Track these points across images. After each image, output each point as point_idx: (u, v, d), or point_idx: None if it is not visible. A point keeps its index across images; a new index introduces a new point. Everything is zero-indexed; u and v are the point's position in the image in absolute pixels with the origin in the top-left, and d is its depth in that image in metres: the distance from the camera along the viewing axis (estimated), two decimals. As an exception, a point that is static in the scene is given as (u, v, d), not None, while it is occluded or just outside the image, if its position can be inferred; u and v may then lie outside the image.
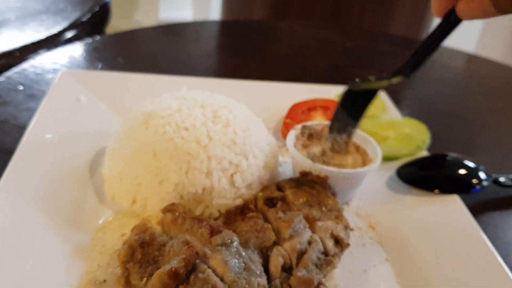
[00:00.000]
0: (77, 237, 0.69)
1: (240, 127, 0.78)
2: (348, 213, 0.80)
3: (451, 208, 0.79)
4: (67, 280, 0.62)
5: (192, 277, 0.54)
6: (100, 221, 0.73)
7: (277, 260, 0.61)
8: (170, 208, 0.67)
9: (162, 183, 0.73)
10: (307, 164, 0.78)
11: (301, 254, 0.61)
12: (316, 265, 0.60)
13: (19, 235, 0.65)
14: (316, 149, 0.84)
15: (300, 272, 0.59)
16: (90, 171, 0.82)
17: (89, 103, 0.96)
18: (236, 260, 0.57)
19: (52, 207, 0.71)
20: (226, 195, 0.74)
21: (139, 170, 0.74)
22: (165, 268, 0.55)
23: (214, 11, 3.94)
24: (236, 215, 0.72)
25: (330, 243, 0.63)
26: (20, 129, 0.91)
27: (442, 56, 1.57)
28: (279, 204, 0.69)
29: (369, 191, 0.84)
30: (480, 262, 0.69)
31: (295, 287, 0.59)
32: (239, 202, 0.75)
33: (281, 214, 0.66)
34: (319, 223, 0.66)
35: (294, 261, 0.61)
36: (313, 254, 0.61)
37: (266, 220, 0.68)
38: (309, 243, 0.62)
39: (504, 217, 0.86)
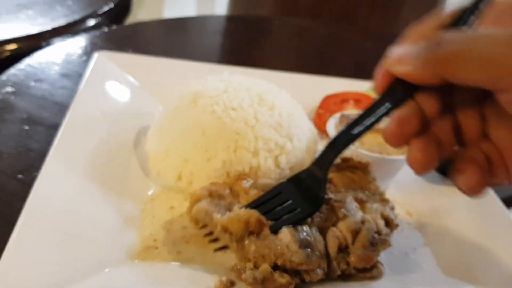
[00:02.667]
0: (127, 208, 0.70)
1: (285, 110, 0.80)
2: (385, 200, 0.83)
3: (484, 198, 0.81)
4: (122, 246, 0.63)
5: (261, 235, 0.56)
6: (149, 193, 0.74)
7: (333, 242, 0.62)
8: (242, 177, 0.68)
9: (210, 160, 0.74)
10: (348, 150, 0.80)
11: (356, 234, 0.63)
12: (371, 244, 0.62)
13: (72, 206, 0.66)
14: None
15: (358, 250, 0.60)
16: (134, 148, 0.83)
17: (126, 84, 0.98)
18: (303, 237, 0.59)
19: (101, 178, 0.72)
20: (271, 175, 0.76)
21: (187, 147, 0.75)
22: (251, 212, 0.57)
23: (218, 10, 3.96)
24: None
25: (381, 223, 0.65)
26: (58, 106, 0.92)
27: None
28: (328, 185, 0.70)
29: (405, 180, 0.86)
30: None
31: (355, 265, 0.60)
32: (281, 183, 0.77)
33: (331, 195, 0.68)
34: (369, 205, 0.68)
35: (349, 240, 0.62)
36: (368, 233, 0.62)
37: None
38: (363, 222, 0.64)
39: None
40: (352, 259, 0.60)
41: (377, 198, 0.71)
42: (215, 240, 0.66)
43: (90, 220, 0.65)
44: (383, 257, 0.70)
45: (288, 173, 0.77)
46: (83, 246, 0.61)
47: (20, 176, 0.74)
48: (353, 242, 0.62)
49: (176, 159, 0.76)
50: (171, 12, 4.08)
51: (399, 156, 0.81)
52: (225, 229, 0.60)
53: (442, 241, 0.75)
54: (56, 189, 0.67)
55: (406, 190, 0.85)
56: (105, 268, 0.59)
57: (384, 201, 0.70)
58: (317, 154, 0.84)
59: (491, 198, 0.81)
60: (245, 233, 0.59)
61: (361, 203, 0.68)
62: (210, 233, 0.66)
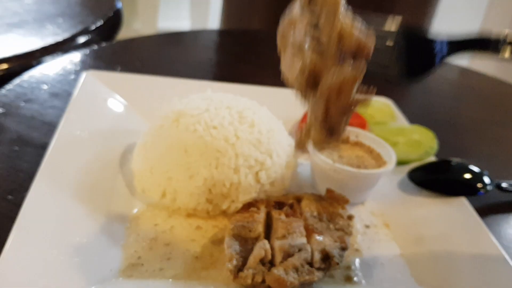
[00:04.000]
0: (113, 226, 0.73)
1: (264, 127, 0.83)
2: (364, 212, 0.86)
3: (459, 209, 0.85)
4: (107, 264, 0.66)
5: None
6: (134, 212, 0.77)
7: (258, 252, 0.65)
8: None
9: (192, 177, 0.77)
10: (327, 164, 0.83)
11: (287, 256, 0.65)
12: (297, 270, 0.64)
13: (59, 225, 0.68)
14: (332, 151, 0.89)
15: (277, 271, 0.63)
16: (120, 166, 0.86)
17: (113, 103, 1.00)
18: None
19: (87, 197, 0.75)
20: (252, 191, 0.79)
21: (170, 165, 0.78)
22: None
23: (212, 21, 4.00)
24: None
25: (318, 256, 0.66)
26: (47, 125, 0.95)
27: (439, 69, 1.64)
28: (285, 208, 0.74)
29: (383, 192, 0.89)
30: (487, 257, 0.74)
31: (268, 282, 0.63)
32: (262, 197, 0.80)
33: (282, 217, 0.71)
34: (317, 236, 0.69)
35: (278, 259, 0.65)
36: (298, 260, 0.64)
37: (269, 219, 0.73)
38: (299, 249, 0.66)
39: (506, 220, 0.92)
40: (268, 276, 0.63)
41: (337, 234, 0.72)
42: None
43: (76, 239, 0.68)
44: (360, 268, 0.73)
45: (268, 188, 0.80)
46: (69, 264, 0.63)
47: (10, 197, 0.77)
48: (281, 262, 0.64)
49: (160, 177, 0.79)
50: (165, 23, 4.12)
51: (376, 169, 0.84)
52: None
53: (417, 252, 0.77)
54: (44, 210, 0.69)
55: (384, 202, 0.87)
56: (91, 286, 0.62)
57: (341, 239, 0.70)
58: (297, 169, 0.88)
59: (465, 209, 0.84)
60: None
61: (310, 232, 0.70)
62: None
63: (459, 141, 1.20)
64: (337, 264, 0.67)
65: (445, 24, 3.20)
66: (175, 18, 4.36)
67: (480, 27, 2.84)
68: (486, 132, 1.30)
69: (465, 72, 1.71)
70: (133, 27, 4.07)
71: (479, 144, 1.23)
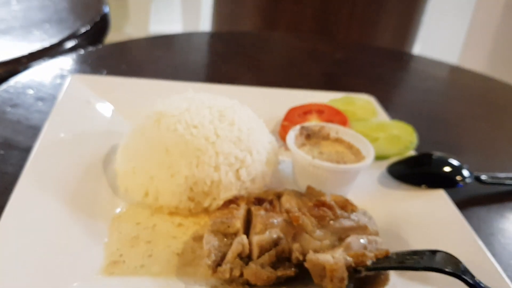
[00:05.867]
0: (96, 226, 0.74)
1: (244, 125, 0.84)
2: (344, 206, 0.87)
3: (438, 201, 0.86)
4: (90, 262, 0.67)
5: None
6: (116, 211, 0.78)
7: (236, 247, 0.66)
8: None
9: (173, 176, 0.78)
10: (306, 160, 0.85)
11: (264, 250, 0.67)
12: (273, 265, 0.66)
13: (43, 224, 0.70)
14: (313, 148, 0.91)
15: (255, 265, 0.64)
16: (103, 167, 0.87)
17: (97, 106, 1.02)
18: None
19: (70, 198, 0.77)
20: (232, 188, 0.80)
21: (152, 165, 0.80)
22: None
23: (203, 25, 4.02)
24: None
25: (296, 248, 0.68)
26: (32, 129, 0.96)
27: (427, 67, 1.66)
28: (264, 204, 0.75)
29: (363, 186, 0.91)
30: (466, 248, 0.76)
31: (246, 276, 0.64)
32: (243, 194, 0.81)
33: (262, 212, 0.72)
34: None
35: (256, 254, 0.66)
36: (275, 254, 0.66)
37: (249, 215, 0.75)
38: (276, 244, 0.68)
39: (486, 211, 0.93)
40: (245, 270, 0.64)
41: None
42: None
43: (60, 238, 0.69)
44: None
45: (249, 185, 0.82)
46: (52, 263, 0.65)
47: (-5, 199, 0.78)
48: (259, 257, 0.66)
49: (142, 176, 0.80)
50: (157, 27, 4.14)
51: (355, 164, 0.86)
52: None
53: (397, 244, 0.79)
54: (27, 211, 0.71)
55: (364, 196, 0.89)
56: (74, 283, 0.63)
57: None
58: (279, 166, 0.90)
59: (444, 201, 0.86)
60: None
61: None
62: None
63: (443, 136, 1.22)
64: None
65: (427, 47, 3.25)
66: (167, 22, 4.39)
67: (461, 45, 2.86)
68: (471, 127, 1.32)
69: (454, 69, 1.73)
70: (124, 31, 4.09)
71: (463, 139, 1.25)
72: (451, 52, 2.92)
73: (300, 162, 0.86)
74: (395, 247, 0.78)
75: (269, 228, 0.69)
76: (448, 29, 3.24)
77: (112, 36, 1.73)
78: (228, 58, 1.51)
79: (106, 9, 1.67)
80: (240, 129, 0.83)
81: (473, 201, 0.95)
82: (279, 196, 0.81)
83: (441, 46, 3.25)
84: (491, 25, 2.56)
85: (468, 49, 2.78)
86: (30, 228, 0.68)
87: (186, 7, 4.19)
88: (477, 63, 2.60)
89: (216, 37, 1.70)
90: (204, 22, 3.98)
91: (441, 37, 3.30)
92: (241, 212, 0.74)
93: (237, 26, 2.38)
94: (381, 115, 1.12)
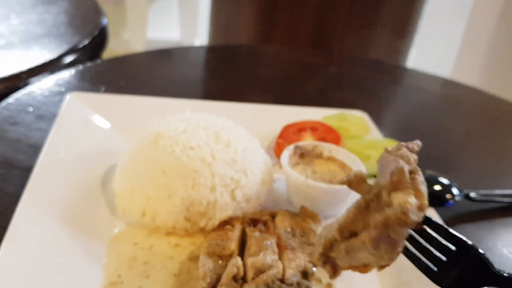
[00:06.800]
0: (95, 247, 0.76)
1: (239, 146, 0.86)
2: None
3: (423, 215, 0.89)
4: (89, 283, 0.70)
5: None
6: (115, 231, 0.81)
7: (230, 269, 0.68)
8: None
9: (170, 197, 0.81)
10: (299, 180, 0.87)
11: (259, 272, 0.69)
12: (267, 286, 0.67)
13: (43, 245, 0.72)
14: (306, 167, 0.94)
15: (249, 287, 0.66)
16: (102, 186, 0.89)
17: (96, 124, 1.04)
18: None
19: (70, 219, 0.79)
20: (228, 208, 0.82)
21: (149, 185, 0.82)
22: None
23: (200, 32, 4.05)
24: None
25: (290, 272, 0.69)
26: (32, 148, 0.98)
27: (420, 81, 1.69)
28: (259, 225, 0.78)
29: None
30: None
31: None
32: (238, 214, 0.84)
33: (256, 234, 0.75)
34: (289, 253, 0.73)
35: (250, 276, 0.68)
36: (270, 276, 0.68)
37: (244, 236, 0.77)
38: (270, 266, 0.69)
39: (475, 228, 0.96)
40: None
41: (308, 249, 0.75)
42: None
43: (60, 259, 0.71)
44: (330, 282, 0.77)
45: (244, 205, 0.84)
46: (52, 283, 0.67)
47: (-4, 219, 0.80)
48: (253, 278, 0.68)
49: (140, 197, 0.83)
50: (154, 33, 4.16)
51: (344, 185, 0.88)
52: None
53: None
54: (28, 232, 0.73)
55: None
56: (73, 304, 0.66)
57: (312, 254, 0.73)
58: (274, 184, 0.92)
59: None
60: None
61: (283, 249, 0.74)
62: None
63: (435, 152, 1.24)
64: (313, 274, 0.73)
65: (421, 58, 3.29)
66: (165, 28, 4.41)
67: (454, 58, 2.89)
68: (463, 142, 1.34)
69: (446, 83, 1.75)
70: (122, 38, 4.12)
71: (454, 154, 1.27)
72: (445, 64, 2.95)
73: (294, 182, 0.89)
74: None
75: (263, 250, 0.72)
76: (442, 41, 3.27)
77: (110, 43, 1.75)
78: (224, 72, 1.54)
79: (105, 21, 1.70)
80: (236, 150, 0.85)
81: (463, 219, 0.98)
82: (273, 216, 0.83)
83: (435, 58, 3.28)
84: (485, 37, 2.59)
85: (462, 61, 2.81)
86: (31, 249, 0.70)
87: (184, 13, 4.22)
88: (471, 75, 2.63)
89: (212, 51, 1.73)
90: (201, 28, 4.00)
91: (435, 49, 3.34)
92: (235, 233, 0.76)
93: (234, 36, 2.40)
94: (374, 132, 1.15)
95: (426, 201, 0.55)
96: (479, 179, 1.15)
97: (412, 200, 0.54)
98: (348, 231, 0.60)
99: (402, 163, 0.58)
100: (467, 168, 1.20)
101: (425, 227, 0.68)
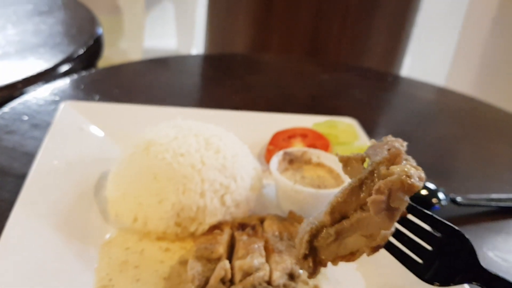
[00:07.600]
0: (87, 252, 0.78)
1: (229, 153, 0.89)
2: (324, 229, 0.91)
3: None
4: (81, 287, 0.71)
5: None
6: (106, 237, 0.82)
7: (218, 272, 0.70)
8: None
9: (161, 202, 0.83)
10: (287, 185, 0.89)
11: (246, 274, 0.71)
12: None
13: (36, 250, 0.74)
14: (295, 172, 0.96)
15: None
16: (95, 193, 0.91)
17: (89, 132, 1.06)
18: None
19: (63, 225, 0.81)
20: (217, 214, 0.84)
21: (140, 191, 0.84)
22: None
23: (197, 40, 4.08)
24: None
25: (277, 274, 0.72)
26: (27, 156, 1.00)
27: (413, 89, 1.72)
28: (247, 229, 0.80)
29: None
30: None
31: None
32: (228, 219, 0.86)
33: (244, 237, 0.77)
34: (276, 256, 0.75)
35: (238, 278, 0.70)
36: (256, 278, 0.70)
37: (233, 240, 0.79)
38: (257, 269, 0.71)
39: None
40: None
41: (294, 252, 0.75)
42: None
43: (52, 264, 0.73)
44: (319, 283, 0.79)
45: (233, 210, 0.86)
46: (46, 287, 0.69)
47: (-10, 226, 0.82)
48: (241, 281, 0.70)
49: (132, 203, 0.84)
50: (151, 42, 4.19)
51: (335, 189, 0.90)
52: None
53: (372, 267, 0.83)
54: (22, 237, 0.75)
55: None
56: (65, 307, 0.67)
57: None
58: (262, 191, 0.94)
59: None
60: None
61: (270, 252, 0.76)
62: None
63: (424, 157, 1.26)
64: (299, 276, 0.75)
65: (415, 66, 3.32)
66: (162, 37, 4.44)
67: (448, 66, 2.93)
68: (452, 148, 1.37)
69: (438, 90, 1.78)
70: (119, 47, 4.14)
71: (443, 160, 1.29)
72: (440, 72, 2.99)
73: (282, 187, 0.91)
74: (369, 270, 0.82)
75: (250, 253, 0.74)
76: (436, 49, 3.30)
77: (107, 52, 1.77)
78: (218, 81, 1.56)
79: (100, 31, 1.72)
80: (225, 156, 0.88)
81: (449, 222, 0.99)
82: (262, 221, 0.85)
83: (429, 66, 3.32)
84: (478, 45, 2.62)
85: (456, 69, 2.84)
86: (24, 254, 0.72)
87: (181, 22, 4.25)
88: (464, 83, 2.66)
89: (207, 60, 1.75)
90: (198, 37, 4.03)
91: (430, 57, 3.37)
92: (224, 237, 0.78)
93: (230, 45, 2.43)
94: (363, 138, 1.17)
95: (423, 174, 0.56)
96: (466, 184, 1.17)
97: (413, 170, 0.56)
98: (340, 213, 0.61)
99: (397, 144, 0.60)
100: (455, 173, 1.23)
101: (410, 216, 0.66)
